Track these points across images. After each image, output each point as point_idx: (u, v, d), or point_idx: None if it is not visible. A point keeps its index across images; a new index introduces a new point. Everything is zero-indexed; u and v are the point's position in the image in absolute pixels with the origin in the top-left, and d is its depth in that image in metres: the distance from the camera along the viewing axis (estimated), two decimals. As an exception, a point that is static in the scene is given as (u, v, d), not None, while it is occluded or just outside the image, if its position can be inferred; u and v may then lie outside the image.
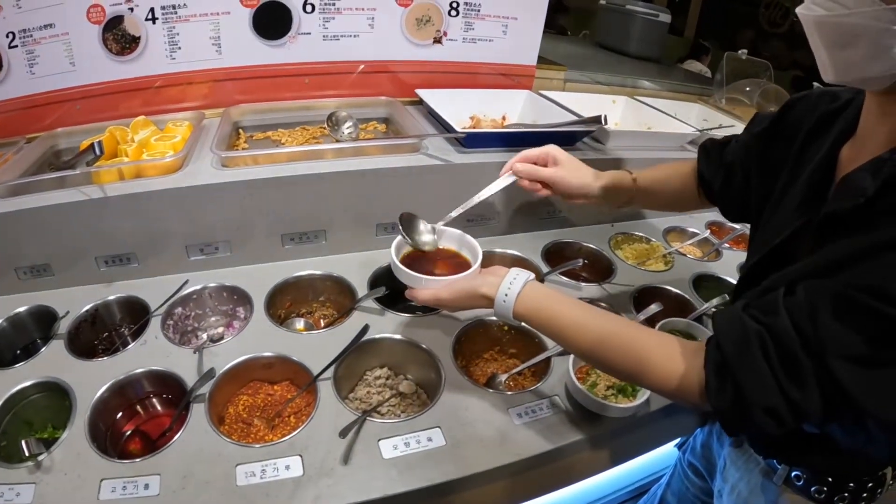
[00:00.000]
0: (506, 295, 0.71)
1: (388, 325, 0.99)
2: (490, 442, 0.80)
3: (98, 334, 1.02)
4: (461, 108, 1.37)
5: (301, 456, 0.75)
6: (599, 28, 2.39)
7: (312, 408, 0.83)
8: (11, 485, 0.73)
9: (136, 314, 1.01)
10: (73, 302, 1.01)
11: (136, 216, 0.99)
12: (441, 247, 0.86)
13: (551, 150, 0.90)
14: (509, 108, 1.43)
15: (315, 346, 0.93)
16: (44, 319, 1.01)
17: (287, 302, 1.06)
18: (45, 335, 0.99)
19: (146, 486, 0.73)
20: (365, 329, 0.92)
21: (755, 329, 0.54)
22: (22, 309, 1.02)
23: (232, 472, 0.73)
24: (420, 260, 0.82)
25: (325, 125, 1.17)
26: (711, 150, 0.90)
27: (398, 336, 0.96)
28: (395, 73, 1.36)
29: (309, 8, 1.25)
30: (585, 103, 1.48)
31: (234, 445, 0.78)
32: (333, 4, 1.27)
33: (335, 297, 1.08)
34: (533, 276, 0.73)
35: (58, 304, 1.01)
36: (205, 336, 1.03)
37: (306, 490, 0.71)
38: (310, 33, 1.26)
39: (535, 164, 0.89)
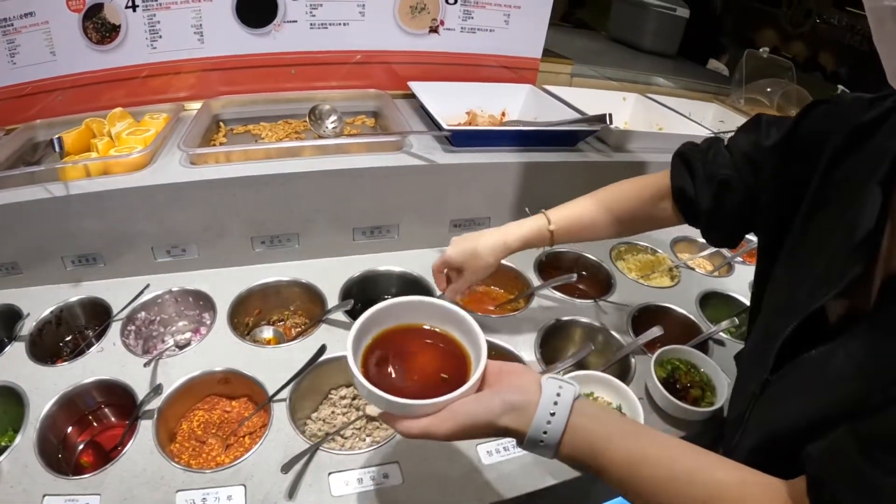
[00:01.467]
0: (544, 433, 0.47)
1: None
2: (455, 480, 0.72)
3: (62, 336, 0.98)
4: (458, 102, 1.28)
5: (245, 486, 0.69)
6: (613, 21, 2.25)
7: (265, 430, 0.77)
8: None
9: (100, 317, 0.97)
10: (41, 301, 0.97)
11: (101, 215, 0.95)
12: (427, 327, 0.56)
13: (446, 256, 0.83)
14: (510, 104, 1.33)
15: (277, 360, 0.86)
16: (9, 319, 0.99)
17: (255, 309, 1.01)
18: (10, 335, 0.96)
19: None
20: (322, 350, 0.84)
21: (891, 486, 0.36)
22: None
23: (172, 499, 0.68)
24: (394, 349, 0.53)
25: (307, 119, 1.10)
26: (694, 161, 0.74)
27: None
28: (388, 65, 1.28)
29: (295, -6, 1.18)
30: (593, 100, 1.37)
31: (178, 469, 0.72)
32: (320, -9, 1.19)
33: (306, 305, 1.02)
34: (578, 388, 0.49)
35: (25, 304, 0.98)
36: (171, 341, 0.98)
37: (244, 525, 0.66)
38: (296, 21, 1.19)
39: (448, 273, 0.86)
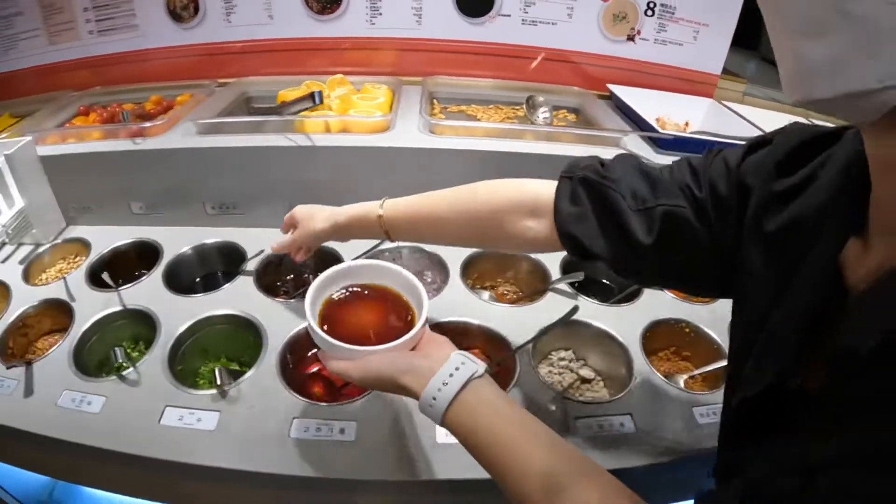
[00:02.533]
0: (434, 398, 0.50)
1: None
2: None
3: (282, 276, 1.05)
4: (646, 108, 1.31)
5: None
6: (767, 43, 2.23)
7: (510, 377, 0.82)
8: (193, 409, 0.77)
9: (327, 265, 1.02)
10: (259, 242, 1.05)
11: (338, 169, 1.02)
12: (380, 284, 0.62)
13: (294, 211, 0.82)
14: (692, 116, 1.36)
15: (512, 319, 0.91)
16: (230, 255, 1.07)
17: (476, 273, 1.05)
18: (228, 270, 1.03)
19: (342, 431, 0.74)
20: (574, 309, 0.88)
21: None
22: (210, 241, 1.08)
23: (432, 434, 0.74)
24: (353, 303, 0.61)
25: (524, 107, 1.16)
26: (588, 184, 0.58)
27: (590, 321, 0.91)
28: (586, 66, 1.33)
29: (511, -10, 1.25)
30: (765, 120, 1.38)
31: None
32: (536, -11, 1.26)
33: (524, 275, 1.06)
34: (483, 368, 0.52)
35: (246, 243, 1.06)
36: None
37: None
38: (509, 15, 1.26)
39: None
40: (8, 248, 1.13)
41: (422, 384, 0.51)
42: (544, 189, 0.61)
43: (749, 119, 1.29)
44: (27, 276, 1.06)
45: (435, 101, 1.24)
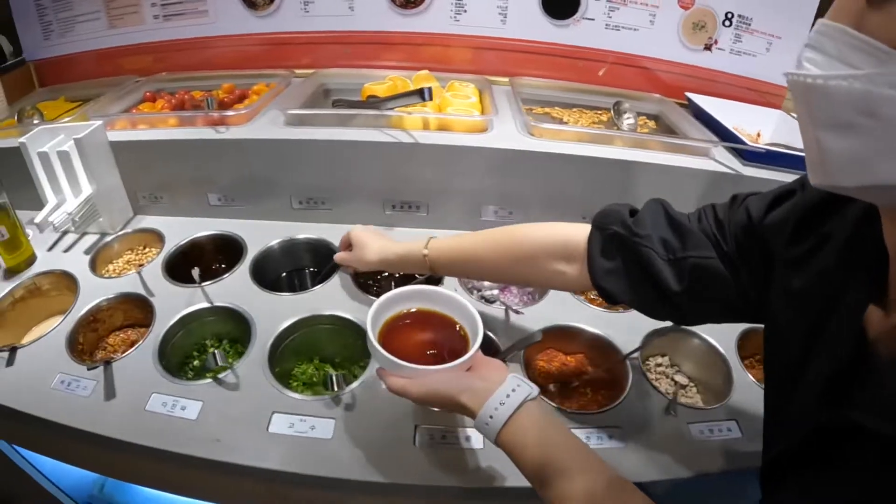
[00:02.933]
0: (490, 417, 0.53)
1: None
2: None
3: (375, 275, 1.01)
4: (721, 118, 1.30)
5: (621, 427, 0.73)
6: None
7: (622, 386, 0.79)
8: (305, 416, 0.73)
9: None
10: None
11: (436, 168, 0.98)
12: (436, 310, 0.66)
13: (349, 232, 0.88)
14: (763, 127, 1.35)
15: (612, 324, 0.88)
16: (319, 252, 1.02)
17: None
18: (316, 267, 0.99)
19: (467, 439, 0.70)
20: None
21: None
22: (301, 237, 1.03)
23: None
24: (411, 326, 0.65)
25: (610, 112, 1.13)
26: (619, 240, 0.61)
27: (686, 328, 0.88)
28: (663, 73, 1.31)
29: (598, -6, 1.23)
30: None
31: (554, 408, 0.75)
32: (621, -6, 1.24)
33: None
34: (536, 391, 0.55)
35: (333, 239, 1.01)
36: (486, 293, 1.00)
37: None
38: (594, 19, 1.23)
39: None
40: (71, 237, 1.07)
41: (479, 404, 0.54)
42: (575, 235, 0.65)
43: None
44: (94, 267, 1.00)
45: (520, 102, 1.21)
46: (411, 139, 0.95)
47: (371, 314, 0.61)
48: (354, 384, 0.76)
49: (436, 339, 0.64)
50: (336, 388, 0.74)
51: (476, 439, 0.70)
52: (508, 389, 0.54)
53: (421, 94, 0.91)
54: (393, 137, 0.96)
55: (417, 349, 0.62)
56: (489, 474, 0.67)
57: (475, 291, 0.96)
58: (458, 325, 0.64)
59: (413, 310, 0.66)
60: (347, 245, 0.89)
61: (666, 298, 0.57)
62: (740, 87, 1.40)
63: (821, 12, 1.40)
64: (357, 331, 0.85)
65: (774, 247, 0.50)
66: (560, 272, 0.67)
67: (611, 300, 0.62)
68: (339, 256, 0.90)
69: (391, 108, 0.96)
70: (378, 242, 0.83)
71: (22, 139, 0.99)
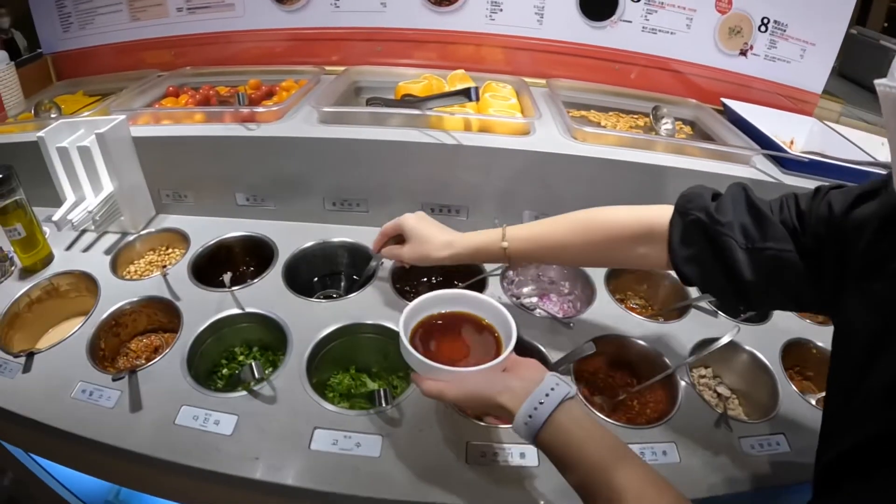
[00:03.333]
0: (530, 417, 0.52)
1: (718, 329, 0.87)
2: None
3: (413, 280, 0.98)
4: (757, 124, 1.28)
5: (675, 443, 0.69)
6: (846, 59, 2.20)
7: (673, 399, 0.77)
8: (349, 433, 0.69)
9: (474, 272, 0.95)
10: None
11: (479, 171, 0.94)
12: (469, 312, 0.65)
13: (402, 222, 0.79)
14: (797, 134, 1.33)
15: (663, 335, 0.85)
16: (356, 256, 0.98)
17: (611, 284, 0.98)
18: (349, 271, 0.96)
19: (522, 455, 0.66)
20: (736, 330, 0.82)
21: None
22: (335, 240, 0.99)
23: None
24: (443, 329, 0.64)
25: (650, 116, 1.10)
26: (700, 226, 0.61)
27: (729, 340, 0.83)
28: (697, 77, 1.28)
29: (637, -4, 1.20)
30: (862, 141, 1.35)
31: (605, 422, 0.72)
32: (660, -3, 1.21)
33: (660, 291, 1.00)
34: (574, 390, 0.54)
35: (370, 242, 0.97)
36: (525, 301, 0.96)
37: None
38: (631, 21, 1.20)
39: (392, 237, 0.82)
40: (89, 236, 1.02)
41: (518, 403, 0.53)
42: (657, 218, 0.66)
43: (850, 139, 1.26)
44: (114, 268, 0.96)
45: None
46: (454, 140, 0.91)
47: (403, 318, 0.60)
48: (401, 397, 0.72)
49: (469, 341, 0.63)
50: (385, 404, 0.70)
51: (530, 456, 0.67)
52: (547, 388, 0.53)
53: (467, 94, 0.87)
54: (434, 138, 0.92)
55: (451, 352, 0.61)
56: (545, 496, 0.63)
57: (514, 299, 0.92)
58: (490, 328, 0.63)
59: (445, 312, 0.65)
60: (397, 236, 0.81)
61: (738, 286, 0.58)
62: (774, 94, 1.38)
63: (854, 21, 1.39)
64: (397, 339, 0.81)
65: (854, 244, 0.49)
66: (642, 255, 0.67)
67: (688, 283, 0.64)
68: (391, 251, 0.81)
69: (431, 108, 0.92)
70: (443, 235, 0.77)
71: (40, 133, 0.94)
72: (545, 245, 0.73)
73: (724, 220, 0.58)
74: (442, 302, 0.65)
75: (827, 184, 0.57)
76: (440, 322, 0.64)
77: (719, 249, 0.58)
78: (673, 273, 0.75)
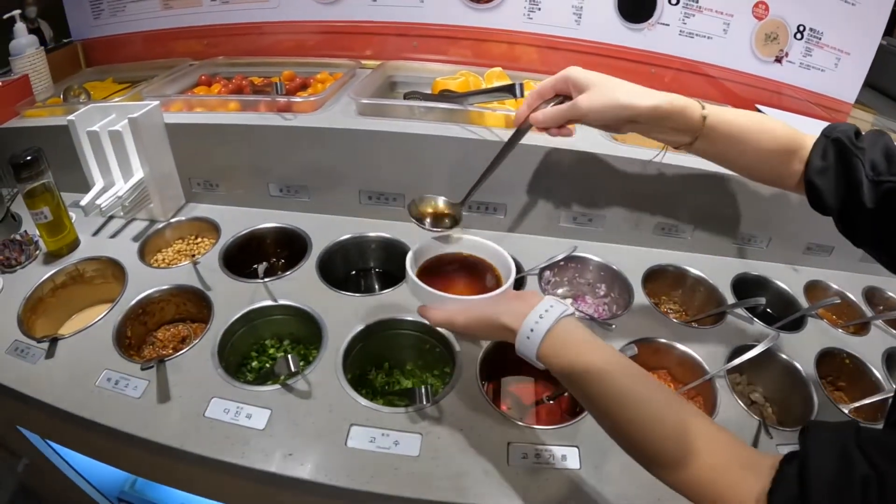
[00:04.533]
0: (531, 330, 0.54)
1: (754, 336, 0.87)
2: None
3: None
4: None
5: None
6: (873, 69, 2.17)
7: (711, 405, 0.75)
8: (387, 430, 0.67)
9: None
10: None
11: (520, 170, 0.93)
12: (470, 253, 0.68)
13: (570, 73, 0.65)
14: (830, 145, 1.32)
15: (701, 340, 0.83)
16: (391, 251, 0.96)
17: (646, 288, 0.95)
18: (384, 268, 0.94)
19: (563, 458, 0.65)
20: (775, 337, 0.80)
21: (863, 473, 0.39)
22: (371, 234, 0.97)
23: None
24: (443, 269, 0.67)
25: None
26: (839, 144, 0.62)
27: (768, 346, 0.81)
28: (732, 83, 1.27)
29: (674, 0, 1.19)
30: None
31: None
32: (697, 1, 1.19)
33: (695, 296, 0.98)
34: (572, 309, 0.56)
35: (404, 237, 0.96)
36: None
37: None
38: (668, 24, 1.19)
39: (553, 99, 0.67)
40: (117, 222, 1.01)
41: (519, 321, 0.54)
42: (809, 140, 0.66)
43: None
44: (142, 256, 0.94)
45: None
46: (495, 137, 0.89)
47: (410, 256, 0.63)
48: (441, 395, 0.70)
49: (472, 277, 0.66)
50: (426, 401, 0.68)
51: (572, 458, 0.64)
52: (547, 306, 0.55)
53: (511, 91, 0.84)
54: (475, 134, 0.90)
55: (456, 287, 0.64)
56: (588, 498, 0.61)
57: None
58: (491, 267, 0.66)
59: (450, 251, 0.68)
60: (562, 90, 0.66)
61: (854, 210, 0.60)
62: (808, 102, 1.36)
63: (889, 31, 1.37)
64: (437, 337, 0.79)
65: None
66: (796, 171, 0.66)
67: (814, 198, 0.65)
68: (557, 112, 0.65)
69: (472, 104, 0.90)
70: (624, 82, 0.64)
71: (70, 117, 0.93)
72: (739, 136, 0.65)
73: (861, 145, 0.61)
74: (446, 243, 0.68)
75: None
76: (445, 262, 0.67)
77: (849, 169, 0.61)
78: (709, 278, 0.72)
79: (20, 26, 1.12)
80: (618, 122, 0.62)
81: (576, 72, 0.65)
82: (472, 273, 0.66)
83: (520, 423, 0.68)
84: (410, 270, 0.61)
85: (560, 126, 0.67)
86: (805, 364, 0.83)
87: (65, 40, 1.30)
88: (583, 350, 0.53)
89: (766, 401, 0.85)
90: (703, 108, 0.63)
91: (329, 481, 0.62)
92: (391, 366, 0.83)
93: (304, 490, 0.63)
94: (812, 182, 0.63)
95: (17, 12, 1.11)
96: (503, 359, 0.79)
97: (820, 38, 1.31)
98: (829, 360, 0.88)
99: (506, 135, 0.91)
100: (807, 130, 1.26)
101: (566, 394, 0.79)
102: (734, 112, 0.66)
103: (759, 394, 0.85)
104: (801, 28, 1.29)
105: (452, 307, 0.59)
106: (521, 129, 0.68)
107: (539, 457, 0.64)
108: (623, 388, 0.51)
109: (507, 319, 0.55)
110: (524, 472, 0.63)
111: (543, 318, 0.54)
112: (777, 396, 0.85)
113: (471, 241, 0.67)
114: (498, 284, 0.63)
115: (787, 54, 1.30)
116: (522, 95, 0.86)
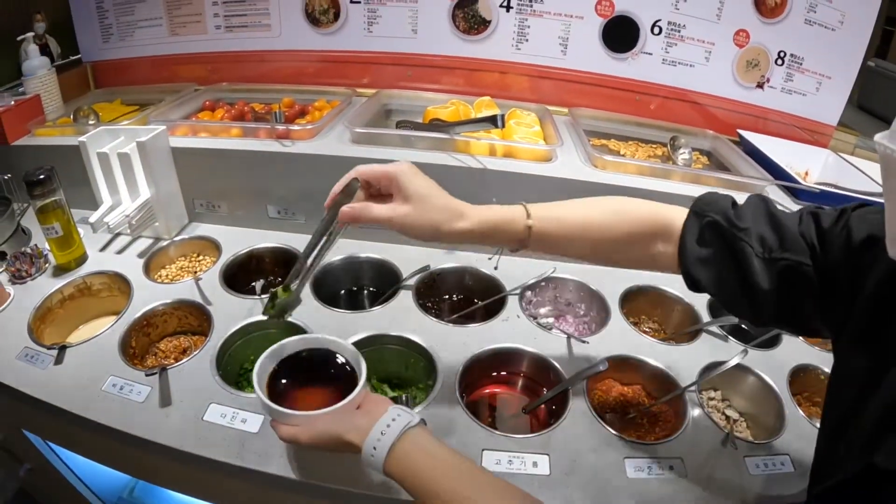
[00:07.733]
0: (374, 448, 0.53)
1: (728, 353, 0.89)
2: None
3: (441, 295, 1.01)
4: (772, 156, 1.31)
5: (682, 459, 0.71)
6: (865, 90, 2.20)
7: (681, 418, 0.78)
8: None
9: (496, 290, 0.98)
10: (411, 263, 1.00)
11: (501, 195, 0.97)
12: (322, 348, 0.66)
13: (399, 177, 0.57)
14: (810, 165, 1.36)
15: (674, 356, 0.87)
16: (382, 272, 1.02)
17: (625, 307, 1.00)
18: (377, 288, 0.98)
19: (535, 464, 0.69)
20: (744, 353, 0.83)
21: None
22: (363, 255, 1.03)
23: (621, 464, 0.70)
24: (300, 372, 0.64)
25: (668, 146, 1.14)
26: (717, 228, 0.57)
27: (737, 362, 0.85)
28: (715, 109, 1.32)
29: (657, 30, 1.24)
30: (878, 173, 1.38)
31: (615, 437, 0.74)
32: (679, 31, 1.25)
33: (673, 315, 1.02)
34: (418, 419, 0.55)
35: (396, 260, 1.01)
36: (542, 321, 0.99)
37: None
38: (651, 54, 1.25)
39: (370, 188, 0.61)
40: (123, 239, 1.07)
41: (362, 437, 0.54)
42: (675, 216, 0.62)
43: (865, 171, 1.29)
44: (147, 271, 0.99)
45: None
46: (479, 165, 0.95)
47: (257, 369, 0.61)
48: (420, 406, 0.75)
49: (324, 383, 0.64)
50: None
51: (542, 465, 0.69)
52: (389, 419, 0.54)
53: (493, 121, 0.91)
54: (461, 162, 0.96)
55: (307, 396, 0.62)
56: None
57: (532, 319, 0.95)
58: (344, 367, 0.65)
59: (299, 356, 0.66)
60: (380, 185, 0.61)
61: (752, 296, 0.54)
62: (790, 126, 1.41)
63: (873, 53, 1.42)
64: (420, 352, 0.84)
65: (867, 278, 0.47)
66: (659, 253, 0.62)
67: (695, 288, 0.59)
68: (366, 210, 0.59)
69: (459, 133, 0.96)
70: (451, 201, 0.59)
71: (81, 138, 0.99)
72: (573, 233, 0.62)
73: (742, 225, 0.55)
74: (293, 346, 0.66)
75: (851, 204, 0.53)
76: (293, 366, 0.65)
77: (735, 254, 0.55)
78: (686, 298, 0.74)
79: (33, 48, 1.18)
80: (435, 240, 0.59)
81: (404, 177, 0.58)
82: (324, 374, 0.65)
83: (495, 432, 0.72)
84: (257, 385, 0.59)
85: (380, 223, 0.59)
86: (778, 380, 0.86)
87: (72, 57, 1.37)
88: (427, 465, 0.52)
89: (741, 416, 0.89)
90: (529, 216, 0.60)
91: (319, 482, 0.66)
92: (379, 379, 0.88)
93: (294, 490, 0.68)
94: (690, 272, 0.59)
95: (30, 34, 1.17)
96: (486, 369, 0.85)
97: (801, 64, 1.37)
98: (804, 376, 0.92)
99: (489, 162, 0.96)
100: (789, 154, 1.32)
101: (542, 405, 0.83)
102: (573, 208, 0.63)
103: (733, 409, 0.89)
104: (782, 54, 1.34)
105: (296, 423, 0.57)
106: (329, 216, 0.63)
107: (512, 463, 0.69)
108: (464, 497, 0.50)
109: (352, 437, 0.54)
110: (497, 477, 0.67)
111: (386, 434, 0.53)
112: (752, 412, 0.88)
113: (321, 339, 0.67)
114: (352, 381, 0.61)
115: (768, 80, 1.35)
116: (504, 125, 0.92)
